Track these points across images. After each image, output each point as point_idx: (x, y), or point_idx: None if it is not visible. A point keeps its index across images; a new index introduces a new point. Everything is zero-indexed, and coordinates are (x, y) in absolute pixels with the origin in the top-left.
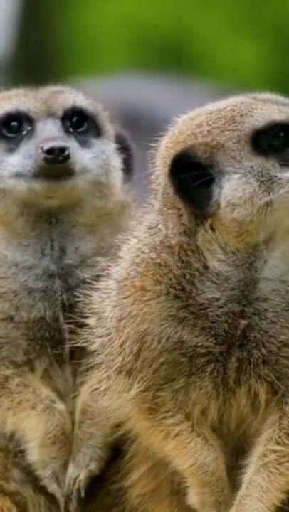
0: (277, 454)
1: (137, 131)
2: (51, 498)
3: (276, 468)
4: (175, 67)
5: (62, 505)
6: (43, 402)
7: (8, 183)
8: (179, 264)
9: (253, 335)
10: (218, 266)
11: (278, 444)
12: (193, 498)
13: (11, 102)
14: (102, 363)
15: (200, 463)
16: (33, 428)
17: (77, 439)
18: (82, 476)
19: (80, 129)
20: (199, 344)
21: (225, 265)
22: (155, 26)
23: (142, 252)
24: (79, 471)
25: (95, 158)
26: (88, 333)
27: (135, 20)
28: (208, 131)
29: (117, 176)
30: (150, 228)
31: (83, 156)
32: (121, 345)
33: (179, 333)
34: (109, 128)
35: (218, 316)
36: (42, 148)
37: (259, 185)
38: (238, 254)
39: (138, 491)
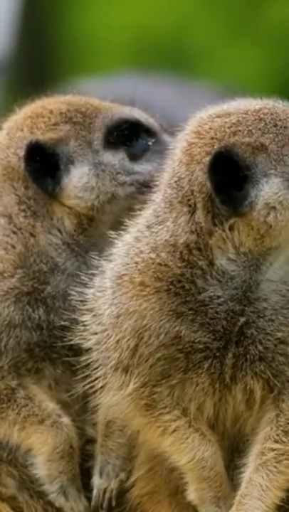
0: (275, 452)
1: None
2: (49, 503)
3: (275, 467)
4: (174, 70)
5: None
6: (50, 416)
7: None
8: (180, 264)
9: (250, 332)
10: (225, 264)
11: (276, 442)
12: (192, 494)
13: None
14: (97, 360)
15: (198, 458)
16: (41, 443)
17: (106, 450)
18: (114, 485)
19: None
20: (197, 340)
21: (233, 265)
22: (154, 28)
23: (141, 251)
24: (108, 482)
25: None
26: (83, 331)
27: (134, 22)
28: (249, 131)
29: None
30: (149, 226)
31: None
32: (118, 342)
33: (177, 328)
34: None
35: (217, 313)
36: None
37: None
38: (249, 255)
39: (137, 491)
